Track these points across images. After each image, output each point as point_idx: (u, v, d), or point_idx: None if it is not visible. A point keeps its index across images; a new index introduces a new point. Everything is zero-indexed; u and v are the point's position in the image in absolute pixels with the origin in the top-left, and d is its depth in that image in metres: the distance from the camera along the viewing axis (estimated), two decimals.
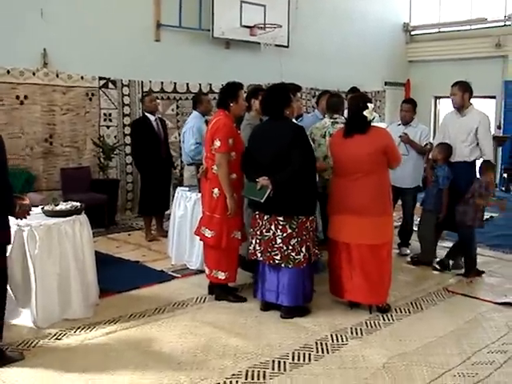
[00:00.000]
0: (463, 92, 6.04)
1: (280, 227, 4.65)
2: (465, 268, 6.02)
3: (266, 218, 4.72)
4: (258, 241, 4.81)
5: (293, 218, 4.64)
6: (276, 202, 4.56)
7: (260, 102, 5.00)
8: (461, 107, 6.08)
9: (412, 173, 6.51)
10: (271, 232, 4.69)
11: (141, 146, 7.34)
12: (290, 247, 4.64)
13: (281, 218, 4.65)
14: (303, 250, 4.67)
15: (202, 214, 5.20)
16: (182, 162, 8.64)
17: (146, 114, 7.47)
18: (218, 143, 4.83)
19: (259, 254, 4.80)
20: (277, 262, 4.68)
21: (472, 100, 6.16)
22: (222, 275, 5.07)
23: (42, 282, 4.43)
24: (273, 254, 4.69)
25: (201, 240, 5.27)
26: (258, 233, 4.80)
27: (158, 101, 8.81)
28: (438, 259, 6.25)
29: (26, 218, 4.01)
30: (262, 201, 4.54)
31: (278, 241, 4.66)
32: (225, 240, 4.97)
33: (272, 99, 4.74)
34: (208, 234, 5.03)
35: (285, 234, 4.64)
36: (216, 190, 4.95)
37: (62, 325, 4.51)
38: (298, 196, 4.60)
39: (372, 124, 4.78)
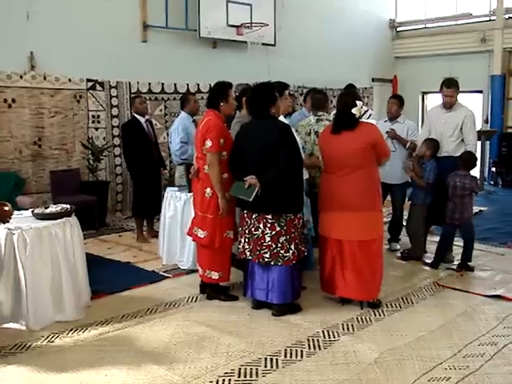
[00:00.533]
0: (458, 92, 6.11)
1: (269, 225, 4.65)
2: (461, 260, 6.01)
3: (254, 216, 4.72)
4: (246, 240, 4.81)
5: (281, 216, 4.64)
6: (264, 200, 4.56)
7: (246, 101, 5.01)
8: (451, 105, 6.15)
9: (400, 169, 6.50)
10: (260, 230, 4.69)
11: (133, 148, 7.29)
12: (279, 245, 4.65)
13: (269, 217, 4.64)
14: (292, 247, 4.68)
15: (195, 215, 5.18)
16: (171, 162, 8.64)
17: (136, 115, 7.45)
18: (209, 143, 4.82)
19: (248, 253, 4.80)
20: (266, 260, 4.68)
21: (459, 95, 6.22)
22: (215, 275, 5.07)
23: (34, 284, 4.42)
24: (262, 252, 4.69)
25: (193, 240, 5.26)
26: (247, 232, 4.80)
27: (147, 102, 8.81)
28: (430, 260, 6.23)
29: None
30: (251, 200, 4.54)
31: (267, 239, 4.66)
32: (218, 240, 4.97)
33: (257, 98, 4.72)
34: (201, 234, 5.03)
35: (274, 232, 4.64)
36: (208, 190, 4.94)
37: (55, 327, 4.51)
38: (286, 194, 4.60)
39: (366, 120, 4.78)
